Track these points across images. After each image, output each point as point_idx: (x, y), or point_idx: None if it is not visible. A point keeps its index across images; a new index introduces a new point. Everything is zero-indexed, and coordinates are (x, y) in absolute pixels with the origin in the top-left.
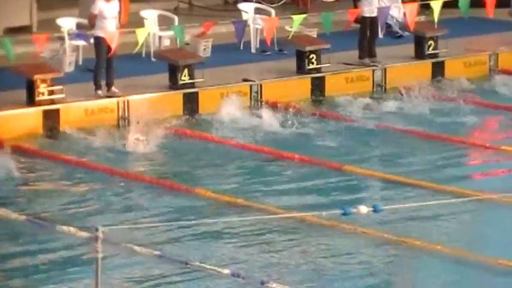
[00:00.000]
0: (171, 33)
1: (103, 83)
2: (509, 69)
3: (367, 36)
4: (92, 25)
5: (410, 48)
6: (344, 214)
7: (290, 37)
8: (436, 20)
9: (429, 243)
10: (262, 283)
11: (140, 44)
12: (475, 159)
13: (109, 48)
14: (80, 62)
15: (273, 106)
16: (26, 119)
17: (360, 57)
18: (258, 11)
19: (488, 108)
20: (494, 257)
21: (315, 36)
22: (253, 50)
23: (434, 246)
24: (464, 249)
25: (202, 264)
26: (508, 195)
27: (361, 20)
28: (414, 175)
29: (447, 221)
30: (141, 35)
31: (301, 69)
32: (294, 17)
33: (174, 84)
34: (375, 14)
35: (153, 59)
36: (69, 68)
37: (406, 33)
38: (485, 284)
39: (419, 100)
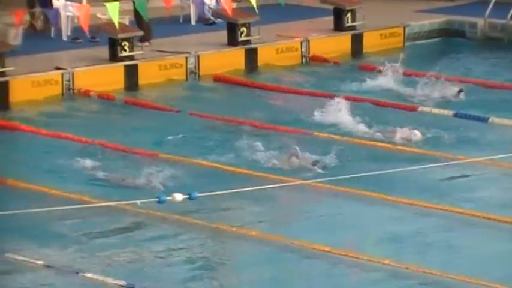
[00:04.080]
0: None
1: None
2: (320, 55)
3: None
4: None
5: (223, 35)
6: (159, 202)
7: (118, 27)
8: (255, 6)
9: (244, 229)
10: (77, 273)
11: None
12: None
13: None
14: None
15: (86, 94)
16: None
17: (142, 40)
18: None
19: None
20: (307, 241)
21: (127, 23)
22: (64, 38)
23: (249, 231)
24: (278, 233)
25: (15, 256)
26: (318, 180)
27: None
28: (229, 162)
29: (261, 206)
30: None
31: (114, 57)
32: (107, 4)
33: None
34: None
35: None
36: None
37: (219, 20)
38: (298, 266)
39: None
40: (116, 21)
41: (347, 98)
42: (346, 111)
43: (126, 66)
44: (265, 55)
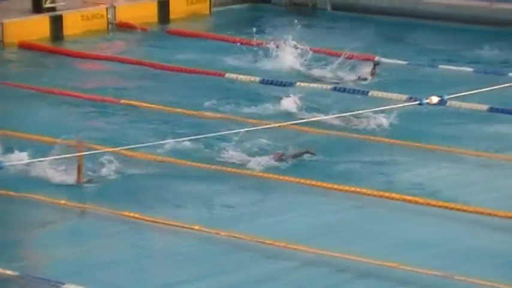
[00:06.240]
0: None
1: None
2: (127, 21)
3: None
4: None
5: (28, 2)
6: None
7: None
8: None
9: (51, 197)
10: None
11: None
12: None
13: None
14: None
15: None
16: None
17: None
18: None
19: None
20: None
21: None
22: None
23: (58, 200)
24: (89, 201)
25: None
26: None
27: None
28: (33, 131)
29: (64, 173)
30: None
31: None
32: None
33: None
34: None
35: None
36: None
37: None
38: (131, 237)
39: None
40: None
41: (157, 67)
42: (153, 78)
43: None
44: (70, 22)
